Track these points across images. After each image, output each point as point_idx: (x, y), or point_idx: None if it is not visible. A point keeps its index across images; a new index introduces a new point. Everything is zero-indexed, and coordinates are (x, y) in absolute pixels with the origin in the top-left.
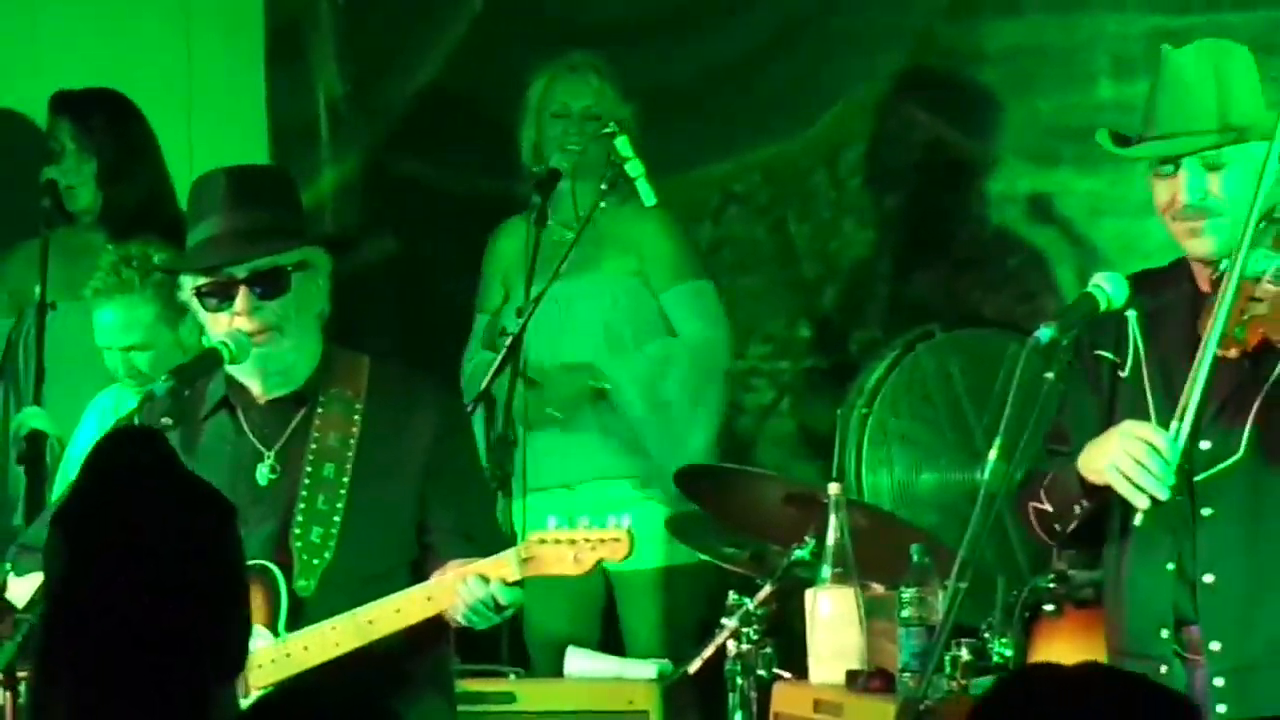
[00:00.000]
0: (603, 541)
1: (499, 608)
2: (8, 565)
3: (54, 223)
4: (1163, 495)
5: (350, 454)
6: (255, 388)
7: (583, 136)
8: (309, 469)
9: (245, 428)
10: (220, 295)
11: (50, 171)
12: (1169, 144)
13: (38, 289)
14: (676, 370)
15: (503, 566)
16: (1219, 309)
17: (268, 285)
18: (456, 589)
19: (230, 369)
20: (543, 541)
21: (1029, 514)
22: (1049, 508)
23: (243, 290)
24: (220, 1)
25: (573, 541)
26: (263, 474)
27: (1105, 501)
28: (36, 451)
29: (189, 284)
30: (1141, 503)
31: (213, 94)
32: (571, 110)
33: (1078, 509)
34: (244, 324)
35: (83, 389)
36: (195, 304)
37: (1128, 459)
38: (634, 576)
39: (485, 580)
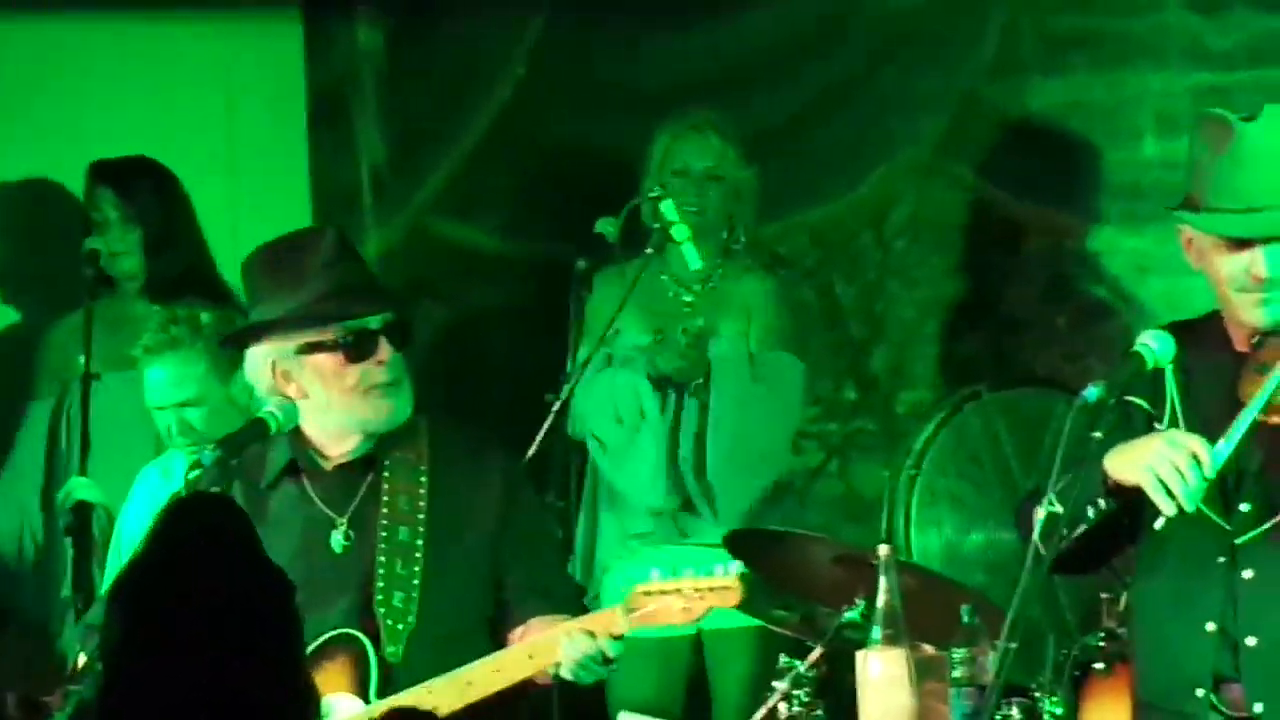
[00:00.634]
0: (712, 590)
1: (606, 661)
2: (77, 647)
3: (97, 293)
4: (1189, 508)
5: (422, 516)
6: (335, 449)
7: (701, 197)
8: (384, 534)
9: (313, 495)
10: (364, 345)
11: (93, 241)
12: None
13: (81, 359)
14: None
15: (611, 620)
16: (1272, 377)
17: (397, 336)
18: (560, 645)
19: (325, 426)
20: (649, 594)
21: (1030, 520)
22: (1059, 509)
23: (382, 340)
24: (262, 66)
25: (679, 591)
26: (337, 541)
27: (1126, 503)
28: (83, 522)
29: (267, 355)
30: (1168, 509)
31: (255, 159)
32: (692, 170)
33: (1091, 510)
34: (377, 376)
35: (128, 460)
36: (264, 371)
37: (1167, 464)
38: (727, 636)
39: (592, 635)
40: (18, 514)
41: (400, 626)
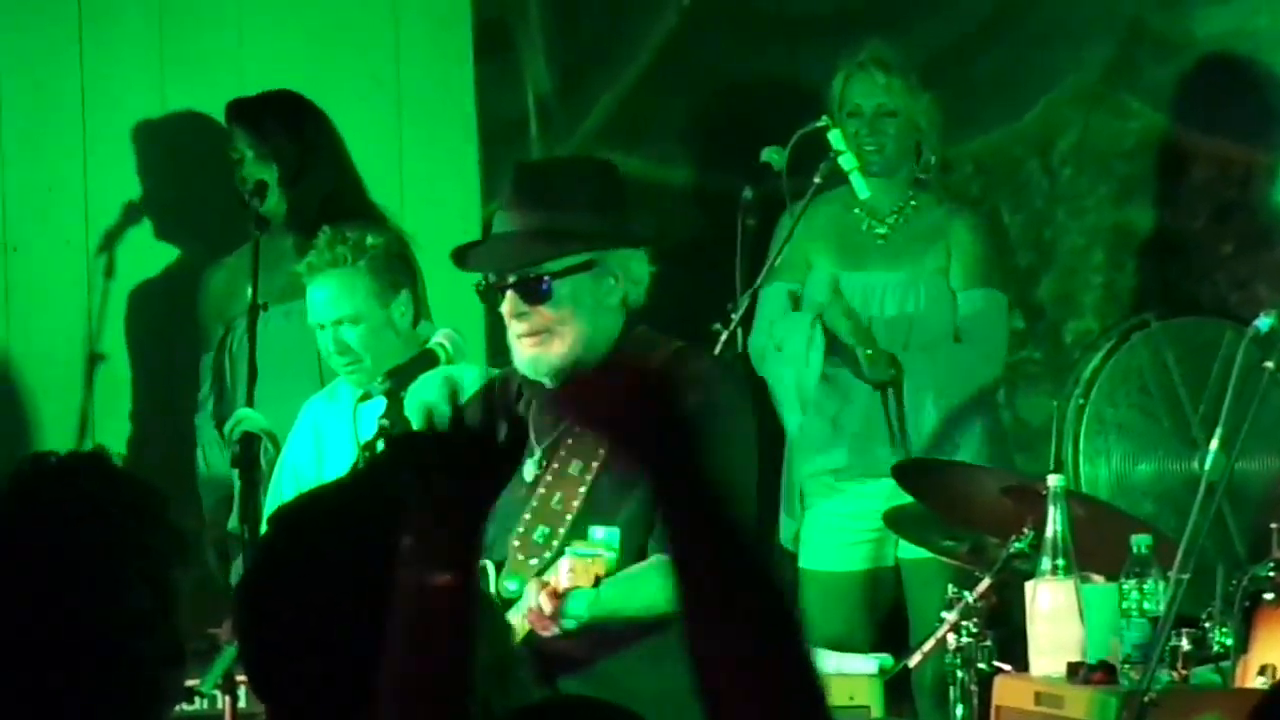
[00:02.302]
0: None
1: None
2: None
3: (263, 224)
4: None
5: (602, 450)
6: (542, 380)
7: (876, 134)
8: (555, 465)
9: (529, 423)
10: (489, 298)
11: (259, 173)
12: None
13: (249, 291)
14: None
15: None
16: None
17: (529, 292)
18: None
19: (520, 367)
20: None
21: None
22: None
23: (510, 295)
24: None
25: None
26: (529, 470)
27: None
28: (250, 453)
29: None
30: None
31: (422, 91)
32: (864, 110)
33: None
34: (513, 327)
35: (292, 392)
36: None
37: None
38: (923, 565)
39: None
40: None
41: (534, 561)
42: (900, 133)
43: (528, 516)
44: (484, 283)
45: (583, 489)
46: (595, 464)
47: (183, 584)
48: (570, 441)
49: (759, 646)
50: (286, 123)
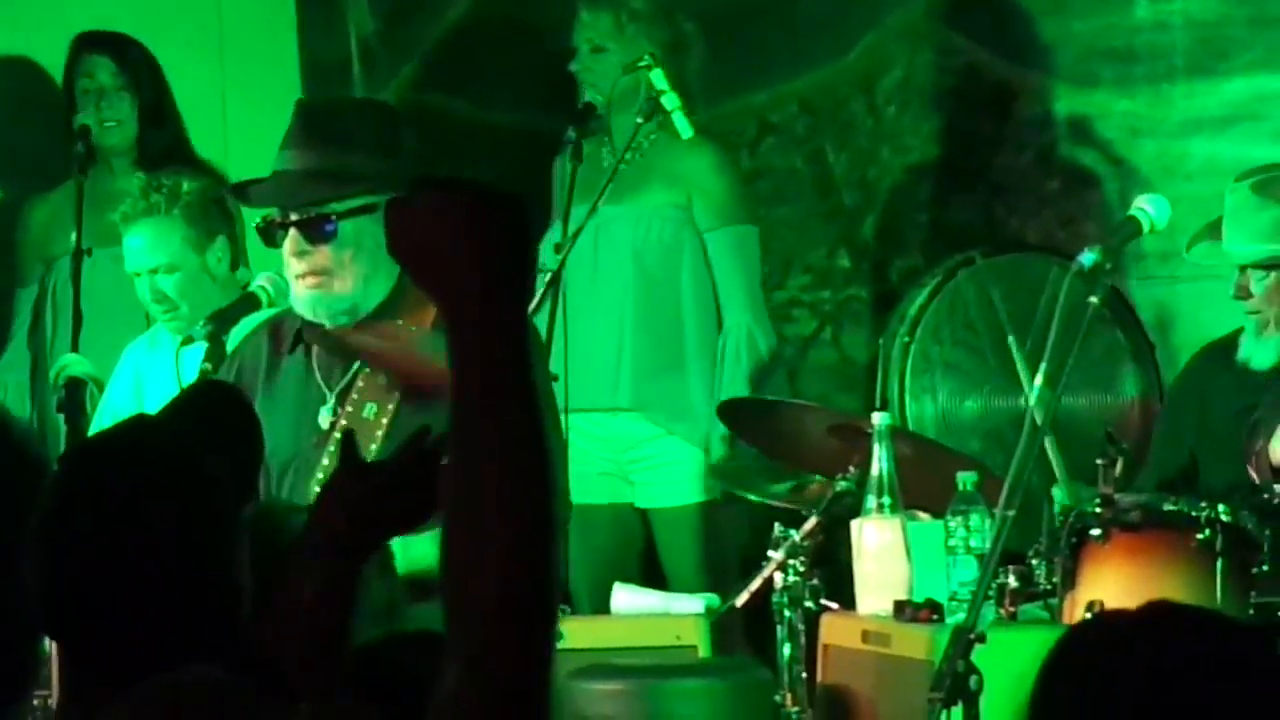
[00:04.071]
0: None
1: None
2: None
3: (86, 168)
4: None
5: (396, 393)
6: (323, 325)
7: (603, 72)
8: (349, 409)
9: (314, 367)
10: (269, 236)
11: (85, 117)
12: None
13: (72, 236)
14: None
15: None
16: None
17: (313, 231)
18: None
19: (296, 306)
20: None
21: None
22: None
23: (292, 233)
24: None
25: None
26: (324, 417)
27: None
28: (76, 399)
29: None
30: None
31: (244, 32)
32: (608, 45)
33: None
34: (293, 266)
35: (117, 336)
36: None
37: None
38: (673, 513)
39: None
40: (16, 402)
41: None
42: (612, 69)
43: (325, 463)
44: (265, 220)
45: (380, 431)
46: (390, 405)
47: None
48: (362, 384)
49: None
50: (146, 59)
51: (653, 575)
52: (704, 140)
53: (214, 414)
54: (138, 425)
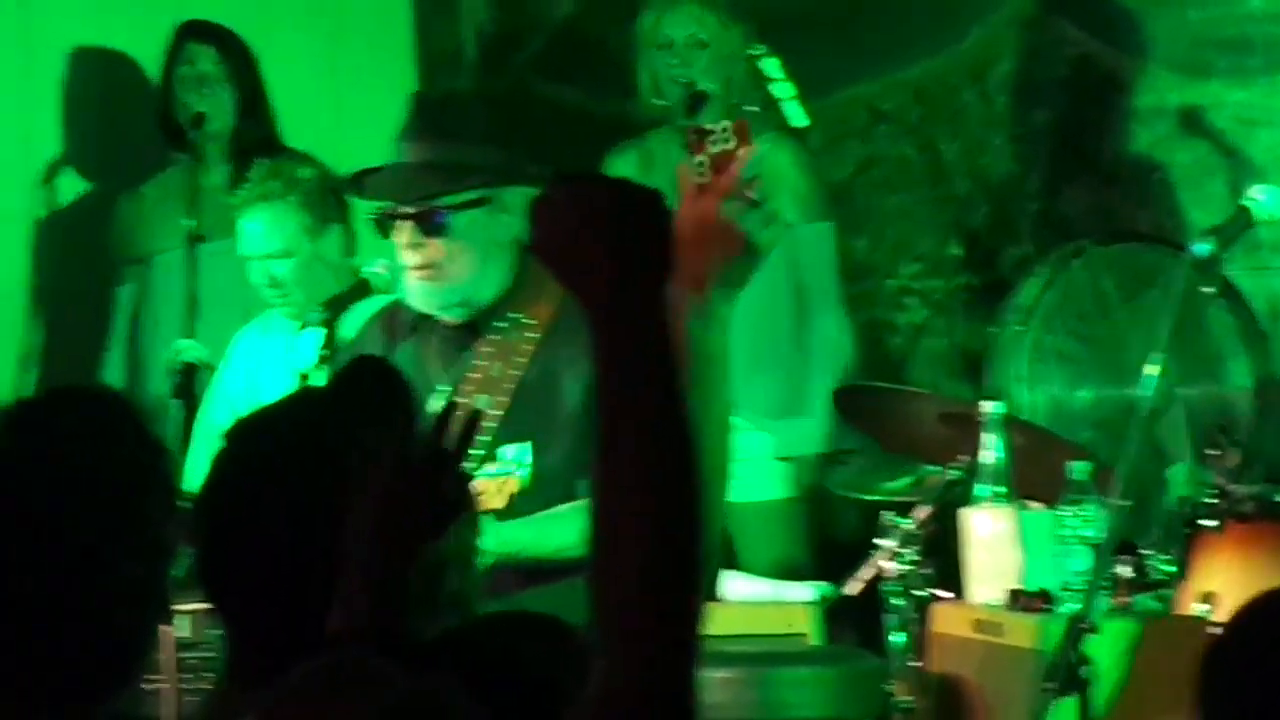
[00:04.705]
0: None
1: None
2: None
3: (201, 154)
4: None
5: (510, 385)
6: (433, 313)
7: (687, 67)
8: (462, 400)
9: (428, 355)
10: (383, 228)
11: (197, 104)
12: None
13: (177, 224)
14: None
15: None
16: None
17: (426, 224)
18: None
19: (409, 298)
20: None
21: None
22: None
23: (407, 226)
24: None
25: None
26: (435, 404)
27: None
28: (189, 384)
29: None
30: None
31: (359, 21)
32: (675, 41)
33: None
34: (406, 258)
35: (217, 325)
36: None
37: None
38: (754, 508)
39: None
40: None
41: None
42: (711, 64)
43: None
44: (379, 212)
45: (492, 424)
46: (502, 398)
47: (174, 545)
48: (476, 375)
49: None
50: (245, 50)
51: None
52: (782, 136)
53: (373, 389)
54: (299, 399)
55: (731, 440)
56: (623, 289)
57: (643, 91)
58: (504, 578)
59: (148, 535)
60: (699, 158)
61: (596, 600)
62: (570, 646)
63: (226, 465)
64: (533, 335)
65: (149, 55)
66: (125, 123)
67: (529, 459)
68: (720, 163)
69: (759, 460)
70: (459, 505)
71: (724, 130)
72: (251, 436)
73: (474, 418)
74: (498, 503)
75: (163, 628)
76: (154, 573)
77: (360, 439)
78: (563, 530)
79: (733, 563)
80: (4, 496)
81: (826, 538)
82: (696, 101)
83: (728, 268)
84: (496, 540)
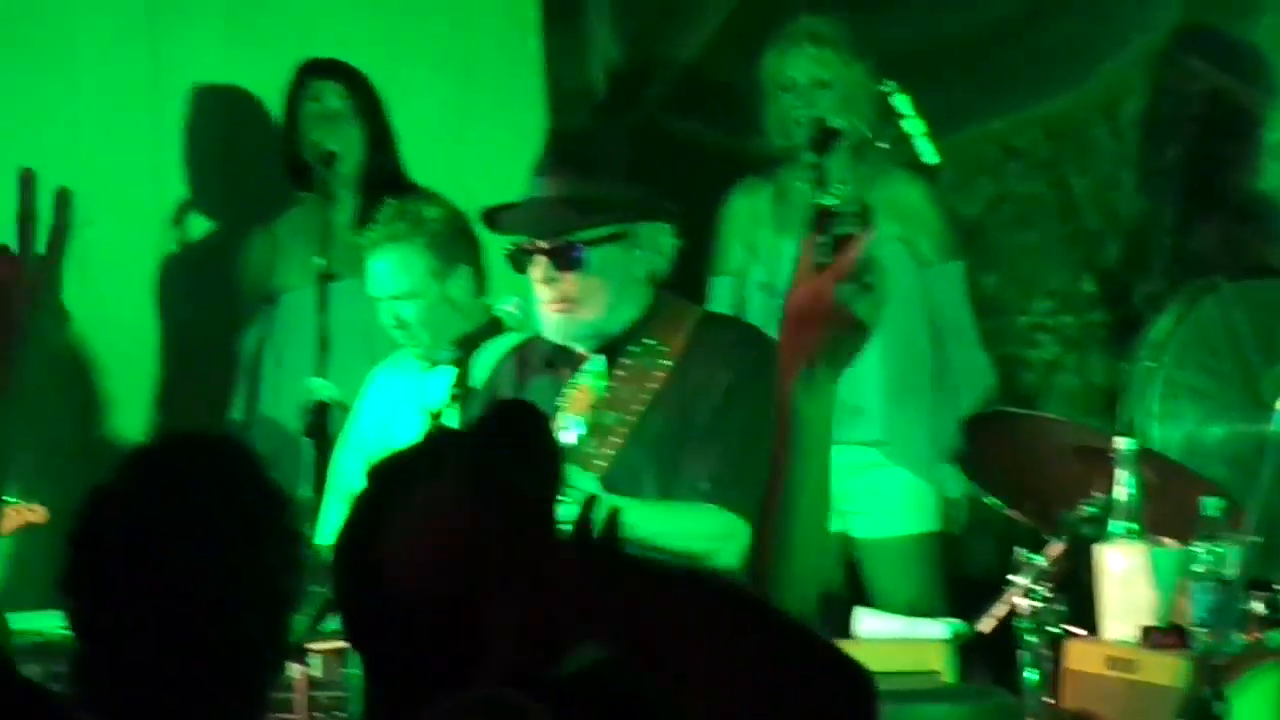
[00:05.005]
0: None
1: None
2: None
3: (330, 192)
4: None
5: (638, 407)
6: (570, 345)
7: (811, 107)
8: (590, 418)
9: (562, 388)
10: (518, 263)
11: (328, 142)
12: None
13: (307, 262)
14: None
15: None
16: None
17: (562, 259)
18: None
19: (545, 332)
20: None
21: None
22: None
23: (542, 261)
24: None
25: None
26: (568, 436)
27: None
28: (322, 423)
29: None
30: None
31: (489, 59)
32: (797, 83)
33: None
34: (541, 293)
35: (346, 371)
36: None
37: None
38: (890, 544)
39: None
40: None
41: None
42: (836, 103)
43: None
44: (514, 247)
45: (616, 439)
46: (630, 417)
47: (295, 595)
48: (607, 396)
49: None
50: (370, 85)
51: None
52: (914, 175)
53: (515, 431)
54: (439, 440)
55: (829, 511)
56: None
57: (769, 131)
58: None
59: (267, 585)
60: (821, 238)
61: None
62: None
63: (366, 505)
64: (666, 361)
65: (274, 94)
66: (248, 160)
67: (603, 367)
68: (842, 244)
69: (898, 497)
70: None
71: (850, 214)
72: (390, 477)
73: (614, 515)
74: (578, 409)
75: (297, 667)
76: (274, 623)
77: (501, 480)
78: (686, 521)
79: (868, 599)
80: (125, 543)
81: (959, 574)
82: (826, 138)
83: (836, 346)
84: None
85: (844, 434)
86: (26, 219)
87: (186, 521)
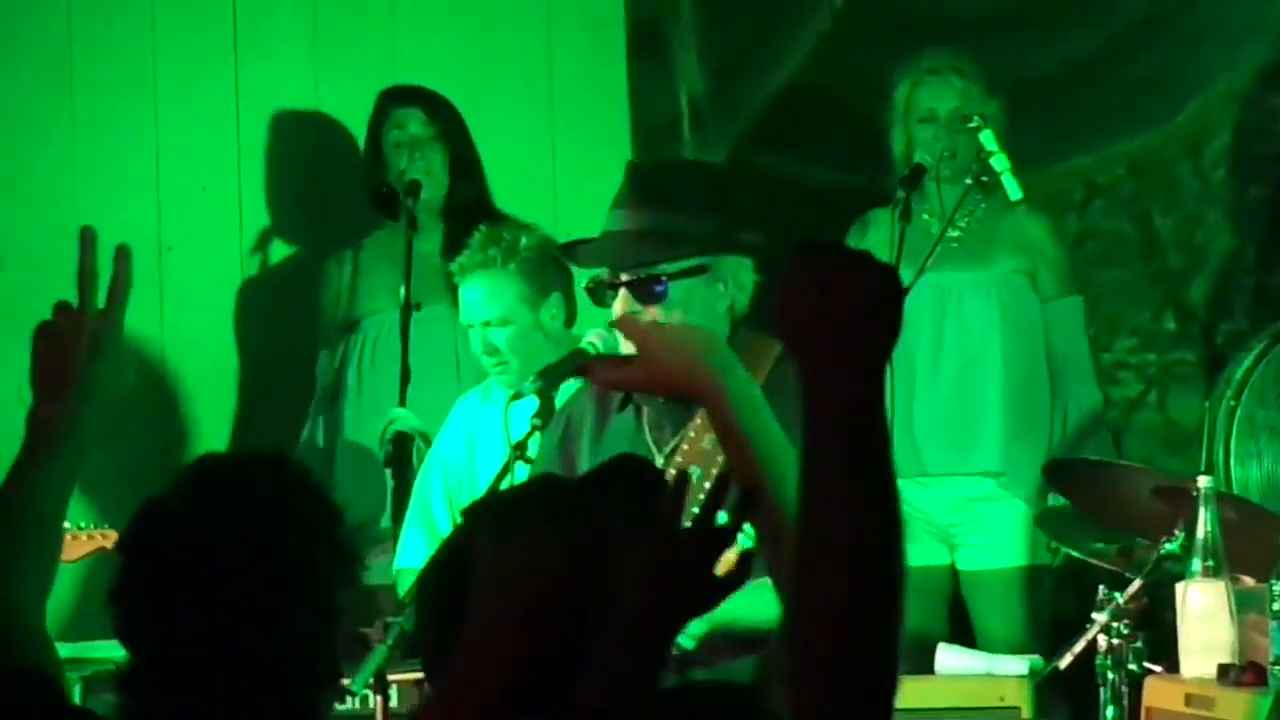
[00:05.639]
0: None
1: None
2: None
3: (415, 222)
4: None
5: (722, 457)
6: None
7: (951, 137)
8: (674, 472)
9: (644, 426)
10: (598, 296)
11: (409, 172)
12: None
13: (399, 291)
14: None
15: None
16: None
17: (643, 292)
18: None
19: None
20: None
21: None
22: None
23: (621, 294)
24: None
25: None
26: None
27: None
28: (403, 453)
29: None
30: None
31: (574, 92)
32: (939, 114)
33: None
34: None
35: (430, 393)
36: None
37: None
38: (986, 576)
39: None
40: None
41: None
42: (967, 132)
43: None
44: (594, 280)
45: (702, 495)
46: (714, 470)
47: (346, 605)
48: (687, 447)
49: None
50: (452, 109)
51: (955, 638)
52: (1036, 209)
53: (626, 484)
54: (541, 485)
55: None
56: (848, 363)
57: (896, 161)
58: (722, 648)
59: (321, 595)
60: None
61: (791, 674)
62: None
63: (456, 542)
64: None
65: (357, 123)
66: (331, 186)
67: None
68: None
69: (1010, 529)
70: (733, 581)
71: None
72: (484, 518)
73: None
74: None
75: (376, 697)
76: (326, 635)
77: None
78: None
79: (970, 633)
80: (177, 550)
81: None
82: (915, 175)
83: None
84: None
85: (962, 464)
86: (86, 274)
87: (239, 530)
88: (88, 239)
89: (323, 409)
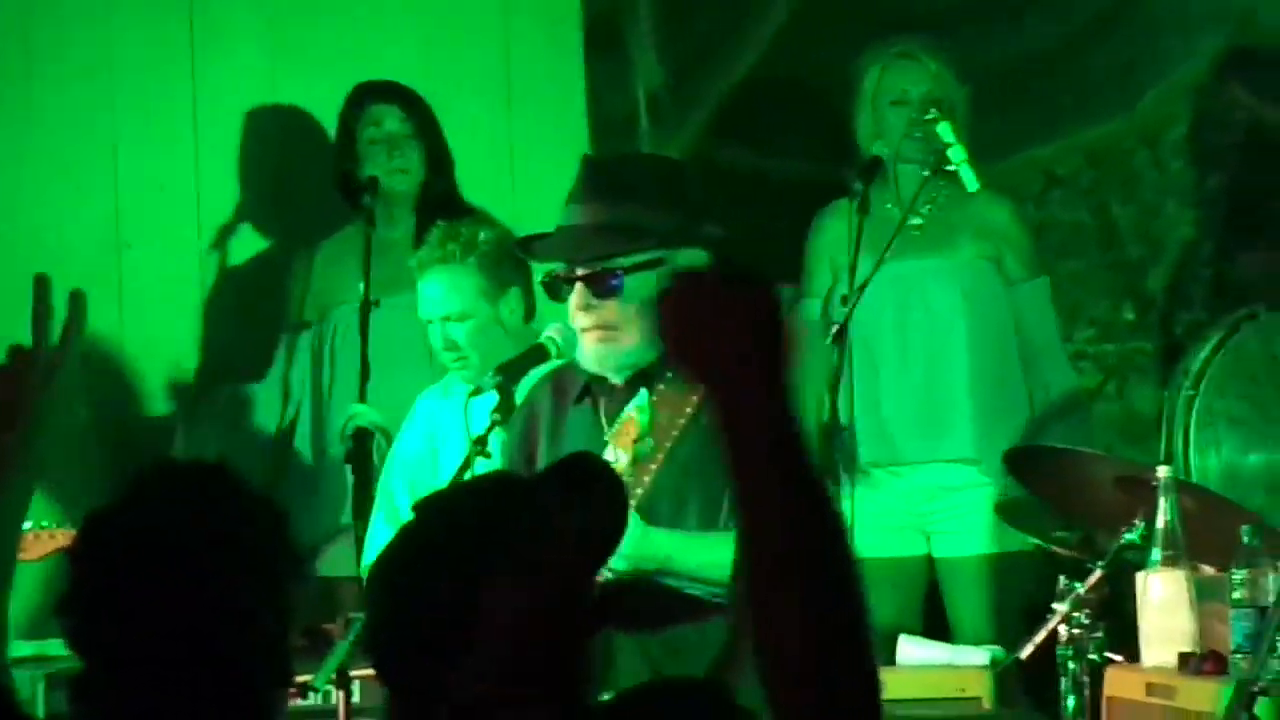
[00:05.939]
0: None
1: None
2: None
3: (374, 219)
4: None
5: (675, 431)
6: (607, 375)
7: (897, 125)
8: (630, 446)
9: (601, 415)
10: (554, 290)
11: (372, 167)
12: None
13: (356, 286)
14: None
15: None
16: None
17: (599, 286)
18: None
19: (582, 360)
20: None
21: None
22: None
23: (578, 287)
24: None
25: None
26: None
27: None
28: (363, 449)
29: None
30: None
31: (532, 86)
32: (911, 97)
33: None
34: (579, 320)
35: (398, 384)
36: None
37: None
38: (962, 563)
39: None
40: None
41: None
42: (924, 124)
43: None
44: (550, 275)
45: (653, 465)
46: (668, 443)
47: (298, 602)
48: (643, 424)
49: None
50: (425, 104)
51: (933, 628)
52: (998, 193)
53: (579, 482)
54: (493, 482)
55: None
56: (757, 380)
57: (863, 143)
58: (660, 601)
59: (270, 597)
60: None
61: (766, 679)
62: (734, 717)
63: (404, 538)
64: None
65: (319, 116)
66: (298, 180)
67: (645, 403)
68: None
69: (986, 515)
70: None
71: None
72: (434, 513)
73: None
74: (622, 444)
75: (338, 692)
76: (284, 629)
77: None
78: (708, 548)
79: (945, 622)
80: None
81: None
82: (871, 166)
83: None
84: (644, 546)
85: (934, 452)
86: (40, 318)
87: (188, 532)
88: (43, 284)
89: (289, 405)
